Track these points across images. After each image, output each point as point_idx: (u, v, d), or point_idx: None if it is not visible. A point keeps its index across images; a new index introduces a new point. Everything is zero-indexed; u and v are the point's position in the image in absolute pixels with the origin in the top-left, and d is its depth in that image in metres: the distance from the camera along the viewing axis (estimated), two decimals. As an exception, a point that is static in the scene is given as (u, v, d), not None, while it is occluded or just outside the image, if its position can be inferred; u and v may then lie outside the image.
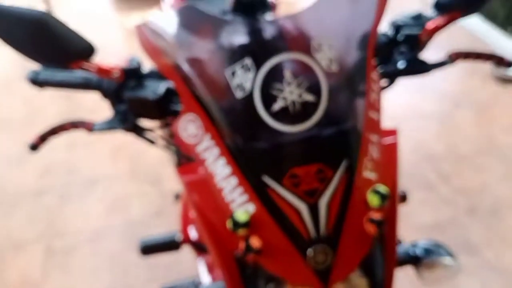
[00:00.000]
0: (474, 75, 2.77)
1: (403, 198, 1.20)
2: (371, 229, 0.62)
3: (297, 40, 0.63)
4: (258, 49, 0.62)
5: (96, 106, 2.87)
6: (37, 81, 0.76)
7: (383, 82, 0.85)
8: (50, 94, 3.06)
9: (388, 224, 0.71)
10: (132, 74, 0.72)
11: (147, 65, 0.77)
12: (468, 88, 2.68)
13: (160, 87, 0.72)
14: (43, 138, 0.82)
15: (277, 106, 0.61)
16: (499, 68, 2.74)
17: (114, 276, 1.79)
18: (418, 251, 0.83)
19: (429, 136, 2.34)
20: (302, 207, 0.61)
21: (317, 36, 0.63)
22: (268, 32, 0.64)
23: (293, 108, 0.61)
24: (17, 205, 2.20)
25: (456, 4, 0.74)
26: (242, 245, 0.61)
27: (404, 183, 2.08)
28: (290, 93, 0.61)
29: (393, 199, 0.70)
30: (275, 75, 0.61)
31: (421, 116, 2.49)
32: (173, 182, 2.22)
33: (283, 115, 0.61)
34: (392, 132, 0.74)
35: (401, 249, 0.85)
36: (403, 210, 1.93)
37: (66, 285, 1.78)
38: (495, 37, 3.01)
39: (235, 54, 0.62)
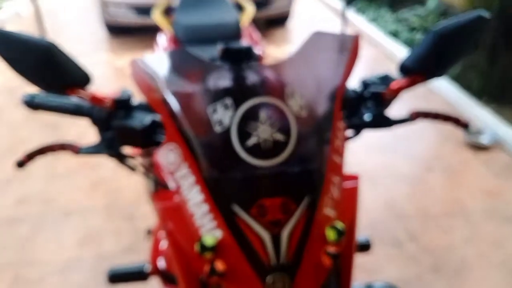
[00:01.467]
0: (448, 141, 2.91)
1: (367, 247, 1.26)
2: (327, 261, 0.68)
3: (273, 87, 0.72)
4: (238, 92, 0.71)
5: (81, 137, 2.92)
6: (32, 104, 0.83)
7: (350, 132, 0.94)
8: (36, 124, 3.11)
9: (344, 260, 0.77)
10: (122, 105, 0.80)
11: (137, 99, 0.85)
12: (441, 153, 2.80)
13: (147, 119, 0.79)
14: (30, 156, 0.87)
15: (251, 142, 0.68)
16: (471, 135, 2.89)
17: (77, 309, 1.78)
18: None
19: (401, 196, 2.43)
20: (266, 236, 0.67)
21: (291, 85, 0.72)
22: (249, 77, 0.73)
23: (264, 145, 0.68)
24: (-11, 231, 2.19)
25: (419, 68, 0.83)
26: (207, 268, 0.66)
27: (373, 238, 2.14)
28: (263, 131, 0.68)
29: (350, 237, 0.77)
30: (251, 115, 0.69)
31: (394, 176, 2.58)
32: (146, 219, 2.24)
33: (256, 151, 0.68)
34: (354, 177, 0.82)
35: (357, 287, 0.90)
36: (369, 264, 1.98)
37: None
38: (470, 105, 3.18)
39: (218, 94, 0.71)
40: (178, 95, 0.72)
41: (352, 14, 5.25)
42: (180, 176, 0.71)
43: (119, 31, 4.70)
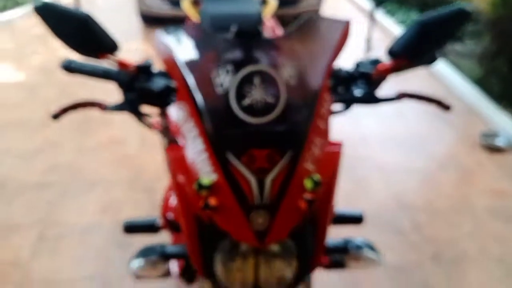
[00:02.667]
0: (464, 142, 2.95)
1: (359, 219, 1.35)
2: (302, 205, 0.79)
3: (268, 58, 0.85)
4: (237, 60, 0.84)
5: (108, 118, 3.10)
6: (69, 68, 0.98)
7: (341, 106, 1.05)
8: (67, 100, 3.31)
9: (321, 212, 0.88)
10: (144, 71, 0.96)
11: (158, 67, 0.99)
12: (456, 153, 2.85)
13: (164, 82, 0.95)
14: (65, 110, 1.02)
15: (245, 102, 0.81)
16: (487, 137, 2.92)
17: (96, 266, 1.93)
18: (350, 245, 1.00)
19: (410, 189, 2.49)
20: (253, 180, 0.79)
21: (284, 57, 0.85)
22: (248, 49, 0.86)
23: (257, 105, 0.81)
24: (20, 194, 2.39)
25: (404, 53, 0.92)
26: (202, 203, 0.79)
27: (378, 226, 2.22)
28: (256, 94, 0.81)
29: (328, 193, 0.88)
30: (247, 80, 0.82)
31: (406, 171, 2.65)
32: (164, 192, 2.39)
33: (249, 109, 0.81)
34: (338, 144, 0.93)
35: (335, 240, 1.01)
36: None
37: (52, 267, 1.93)
38: (489, 108, 3.21)
39: (221, 62, 0.84)
40: (189, 63, 0.86)
41: (381, 16, 5.30)
42: (187, 129, 0.84)
43: (154, 21, 4.90)
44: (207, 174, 0.81)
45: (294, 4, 4.54)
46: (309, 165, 0.82)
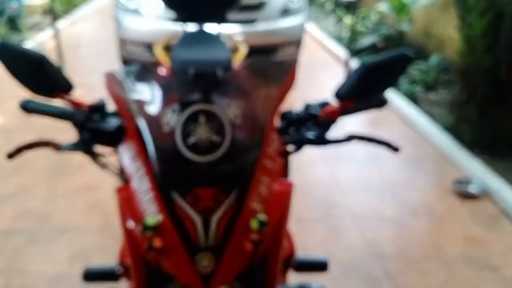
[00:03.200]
0: (437, 189, 2.99)
1: (324, 266, 1.34)
2: (248, 246, 0.79)
3: (213, 97, 0.86)
4: (184, 99, 0.85)
5: (83, 163, 3.08)
6: (27, 108, 1.00)
7: (292, 147, 1.07)
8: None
9: (271, 254, 0.88)
10: (97, 110, 0.97)
11: (111, 107, 1.00)
12: (428, 199, 2.88)
13: (116, 122, 0.95)
14: (20, 149, 1.02)
15: (190, 140, 0.82)
16: (460, 184, 2.97)
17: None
18: None
19: (383, 237, 2.49)
20: (198, 220, 0.79)
21: (229, 96, 0.87)
22: (195, 89, 0.87)
23: (202, 143, 0.82)
24: (-14, 241, 2.31)
25: (350, 96, 0.95)
26: (146, 244, 0.78)
27: (351, 275, 2.19)
28: (201, 132, 0.82)
29: (278, 233, 0.87)
30: (193, 118, 0.83)
31: (379, 218, 2.66)
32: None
33: (194, 148, 0.81)
34: (289, 184, 0.94)
35: (290, 285, 1.00)
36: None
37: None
38: (461, 155, 3.28)
39: (168, 101, 0.86)
40: (138, 102, 0.88)
41: (355, 64, 5.46)
42: (134, 169, 0.85)
43: (134, 67, 4.97)
44: (152, 215, 0.80)
45: (272, 53, 4.66)
46: (255, 205, 0.82)
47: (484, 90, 3.23)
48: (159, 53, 2.19)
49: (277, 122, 0.99)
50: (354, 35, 5.52)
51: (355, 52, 5.44)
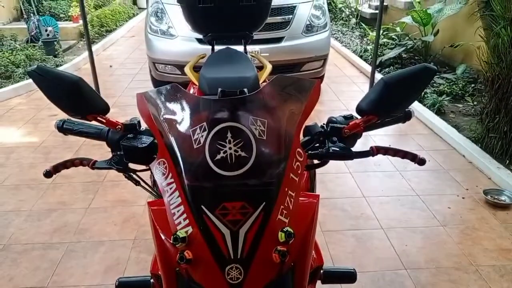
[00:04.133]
0: (467, 199, 2.95)
1: (353, 277, 1.34)
2: (276, 258, 0.82)
3: (240, 114, 0.91)
4: (212, 118, 0.90)
5: (118, 178, 3.19)
6: (61, 128, 1.06)
7: (316, 161, 1.09)
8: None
9: (299, 265, 0.91)
10: (130, 129, 1.02)
11: (144, 126, 1.07)
12: (459, 210, 2.84)
13: (148, 140, 1.00)
14: (56, 168, 1.08)
15: (219, 156, 0.86)
16: (492, 194, 2.93)
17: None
18: None
19: (413, 247, 2.48)
20: (226, 232, 0.82)
21: (255, 113, 0.91)
22: (222, 108, 0.92)
23: (230, 159, 0.86)
24: (26, 254, 2.43)
25: (372, 110, 0.98)
26: (177, 256, 0.82)
27: (381, 285, 2.19)
28: (230, 149, 0.86)
29: (305, 245, 0.91)
30: (221, 136, 0.87)
31: (409, 228, 2.65)
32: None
33: (223, 164, 0.86)
34: (315, 196, 0.97)
35: None
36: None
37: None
38: (492, 166, 3.23)
39: (198, 120, 0.90)
40: (168, 121, 0.93)
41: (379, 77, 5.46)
42: (166, 184, 0.89)
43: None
44: (184, 228, 0.84)
45: (297, 68, 4.72)
46: (282, 218, 0.85)
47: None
48: (189, 73, 2.29)
49: (301, 137, 1.03)
50: (379, 48, 5.53)
51: (380, 65, 5.44)
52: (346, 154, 1.03)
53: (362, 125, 1.00)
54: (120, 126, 1.00)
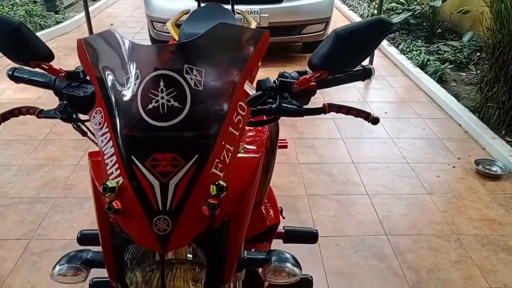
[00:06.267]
0: (458, 168, 2.92)
1: (314, 237, 1.33)
2: (205, 210, 0.80)
3: (173, 63, 0.87)
4: (144, 66, 0.86)
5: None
6: (12, 76, 1.05)
7: (268, 116, 1.04)
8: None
9: (235, 220, 0.89)
10: (74, 77, 0.98)
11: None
12: (447, 178, 2.82)
13: (91, 89, 0.96)
14: (3, 116, 1.06)
15: (151, 106, 0.83)
16: (483, 164, 2.89)
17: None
18: (273, 257, 0.96)
19: (397, 213, 2.48)
20: (156, 184, 0.80)
21: (190, 62, 0.86)
22: (156, 55, 0.88)
23: (162, 109, 0.83)
24: (13, 207, 2.47)
25: (323, 65, 0.92)
26: (106, 206, 0.80)
27: (360, 252, 2.20)
28: (162, 98, 0.83)
29: (243, 201, 0.89)
30: (154, 84, 0.84)
31: (395, 195, 2.64)
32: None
33: (155, 114, 0.82)
34: (258, 151, 0.94)
35: (258, 252, 1.00)
36: (350, 272, 2.05)
37: (33, 282, 1.98)
38: (487, 135, 3.18)
39: (132, 68, 0.87)
40: (105, 69, 0.90)
41: (385, 45, 5.33)
42: (102, 134, 0.87)
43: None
44: (115, 178, 0.82)
45: (298, 30, 4.62)
46: (216, 171, 0.83)
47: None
48: (170, 29, 2.24)
49: (254, 91, 0.98)
50: (386, 12, 5.37)
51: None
52: (297, 110, 0.98)
53: (313, 80, 0.95)
54: (63, 74, 0.97)
